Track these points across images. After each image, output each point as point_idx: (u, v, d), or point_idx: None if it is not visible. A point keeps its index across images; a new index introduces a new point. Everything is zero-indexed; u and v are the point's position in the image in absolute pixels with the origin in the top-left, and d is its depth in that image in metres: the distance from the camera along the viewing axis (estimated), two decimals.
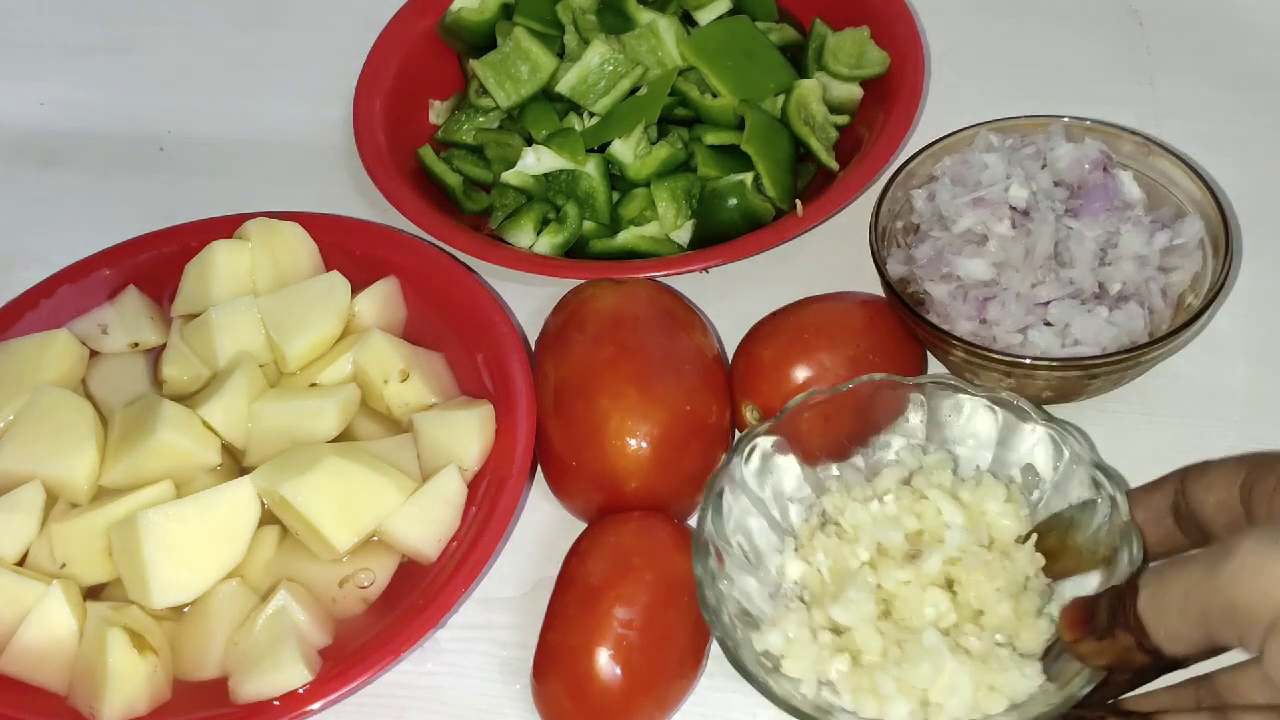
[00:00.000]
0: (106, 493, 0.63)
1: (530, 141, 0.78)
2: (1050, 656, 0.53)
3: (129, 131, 0.91)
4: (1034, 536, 0.57)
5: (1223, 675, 0.50)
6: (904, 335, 0.66)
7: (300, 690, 0.56)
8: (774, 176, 0.74)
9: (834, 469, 0.61)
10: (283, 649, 0.56)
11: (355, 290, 0.70)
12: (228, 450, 0.65)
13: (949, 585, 0.55)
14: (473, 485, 0.63)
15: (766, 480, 0.60)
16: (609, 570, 0.57)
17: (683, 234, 0.76)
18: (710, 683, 0.59)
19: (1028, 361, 0.61)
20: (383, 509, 0.61)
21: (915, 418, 0.61)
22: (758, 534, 0.59)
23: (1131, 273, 0.64)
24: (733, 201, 0.74)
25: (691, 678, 0.58)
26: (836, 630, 0.54)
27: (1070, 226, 0.65)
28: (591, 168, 0.76)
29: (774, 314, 0.67)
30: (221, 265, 0.70)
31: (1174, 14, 0.88)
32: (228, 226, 0.73)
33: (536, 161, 0.76)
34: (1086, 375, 0.62)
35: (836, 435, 0.60)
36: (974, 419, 0.60)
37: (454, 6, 0.84)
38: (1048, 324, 0.63)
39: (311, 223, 0.73)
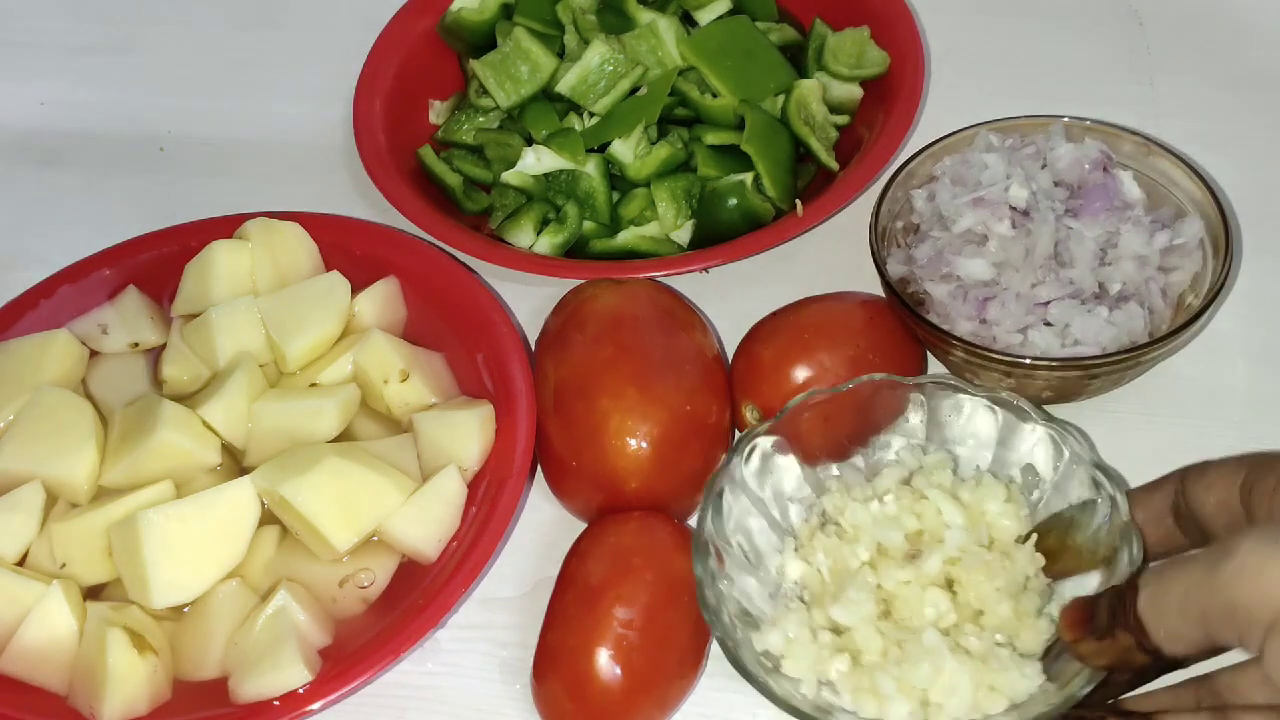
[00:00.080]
0: (106, 493, 0.63)
1: (530, 141, 0.78)
2: (1050, 656, 0.53)
3: (129, 131, 0.91)
4: (1034, 536, 0.57)
5: (1223, 675, 0.50)
6: (904, 335, 0.66)
7: (300, 690, 0.56)
8: (774, 176, 0.74)
9: (834, 469, 0.61)
10: (283, 649, 0.56)
11: (355, 290, 0.70)
12: (228, 450, 0.65)
13: (949, 585, 0.55)
14: (473, 485, 0.63)
15: (766, 480, 0.60)
16: (609, 570, 0.57)
17: (683, 234, 0.76)
18: (710, 683, 0.59)
19: (1028, 361, 0.61)
20: (383, 509, 0.61)
21: (915, 418, 0.61)
22: (758, 534, 0.59)
23: (1131, 273, 0.64)
24: (733, 201, 0.74)
25: (691, 678, 0.58)
26: (836, 630, 0.54)
27: (1070, 226, 0.65)
28: (591, 168, 0.76)
29: (774, 314, 0.67)
30: (221, 265, 0.70)
31: (1174, 14, 0.88)
32: (228, 226, 0.73)
33: (536, 161, 0.76)
34: (1086, 375, 0.62)
35: (836, 435, 0.60)
36: (974, 419, 0.60)
37: (454, 6, 0.84)
38: (1048, 324, 0.63)
39: (311, 223, 0.73)
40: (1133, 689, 0.52)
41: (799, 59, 0.82)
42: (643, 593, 0.56)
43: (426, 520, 0.61)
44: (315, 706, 0.55)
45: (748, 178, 0.74)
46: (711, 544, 0.56)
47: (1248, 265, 0.72)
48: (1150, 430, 0.66)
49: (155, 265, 0.74)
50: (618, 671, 0.54)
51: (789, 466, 0.60)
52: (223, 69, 0.95)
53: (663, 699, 0.56)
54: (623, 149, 0.76)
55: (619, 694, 0.55)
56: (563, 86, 0.78)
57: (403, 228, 0.75)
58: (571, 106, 0.79)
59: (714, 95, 0.77)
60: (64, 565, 0.61)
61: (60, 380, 0.68)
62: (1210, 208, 0.65)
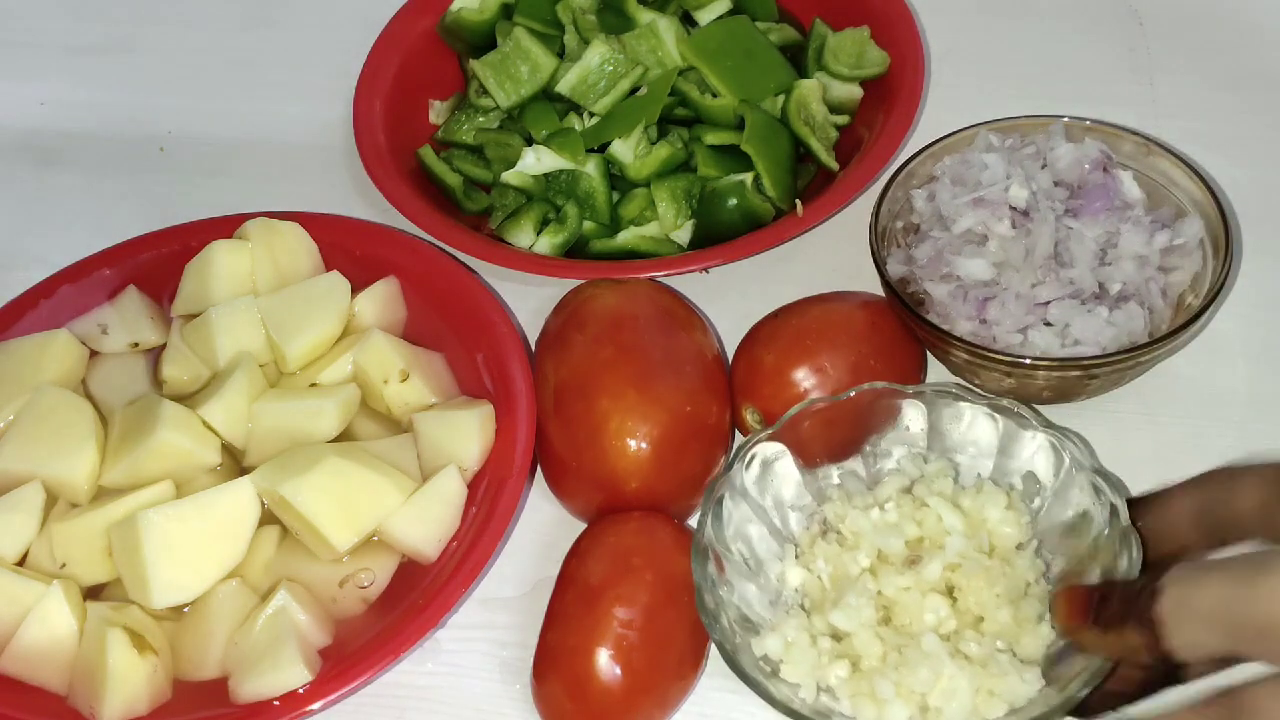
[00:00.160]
0: (106, 493, 0.63)
1: (530, 141, 0.78)
2: (1054, 648, 0.53)
3: (129, 131, 0.91)
4: (1035, 543, 0.57)
5: (1247, 693, 0.45)
6: (905, 337, 0.66)
7: (300, 690, 0.56)
8: (774, 176, 0.74)
9: (835, 478, 0.61)
10: (283, 649, 0.56)
11: (355, 290, 0.70)
12: (228, 450, 0.65)
13: (949, 592, 0.55)
14: (473, 485, 0.63)
15: (767, 487, 0.60)
16: (609, 570, 0.57)
17: (683, 234, 0.76)
18: (710, 683, 0.59)
19: (1028, 361, 0.61)
20: (383, 509, 0.61)
21: (916, 426, 0.61)
22: (758, 541, 0.59)
23: (1131, 273, 0.64)
24: (733, 201, 0.74)
25: (691, 678, 0.58)
26: (836, 636, 0.54)
27: (1070, 226, 0.65)
28: (591, 168, 0.76)
29: (774, 315, 0.67)
30: (221, 265, 0.70)
31: (1174, 14, 0.88)
32: (228, 226, 0.73)
33: (536, 161, 0.76)
34: (1086, 375, 0.62)
35: (837, 442, 0.60)
36: (974, 427, 0.60)
37: (454, 6, 0.84)
38: (1048, 324, 0.63)
39: (311, 223, 0.73)
40: (1134, 702, 0.50)
41: (799, 59, 0.82)
42: (643, 593, 0.56)
43: (426, 520, 0.61)
44: (315, 706, 0.55)
45: (748, 178, 0.74)
46: (711, 550, 0.56)
47: (1248, 265, 0.72)
48: (1150, 430, 0.66)
49: (155, 265, 0.74)
50: (618, 671, 0.54)
51: (789, 474, 0.60)
52: (223, 69, 0.95)
53: (663, 699, 0.56)
54: (623, 149, 0.76)
55: (619, 694, 0.55)
56: (563, 86, 0.78)
57: (403, 228, 0.75)
58: (571, 106, 0.79)
59: (714, 95, 0.77)
60: (64, 565, 0.61)
61: (60, 380, 0.68)
62: (1210, 208, 0.65)
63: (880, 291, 0.67)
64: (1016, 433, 0.59)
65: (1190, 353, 0.68)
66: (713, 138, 0.76)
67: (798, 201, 0.73)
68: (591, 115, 0.78)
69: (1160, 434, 0.66)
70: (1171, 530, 0.51)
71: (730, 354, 0.68)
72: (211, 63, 0.96)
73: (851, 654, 0.53)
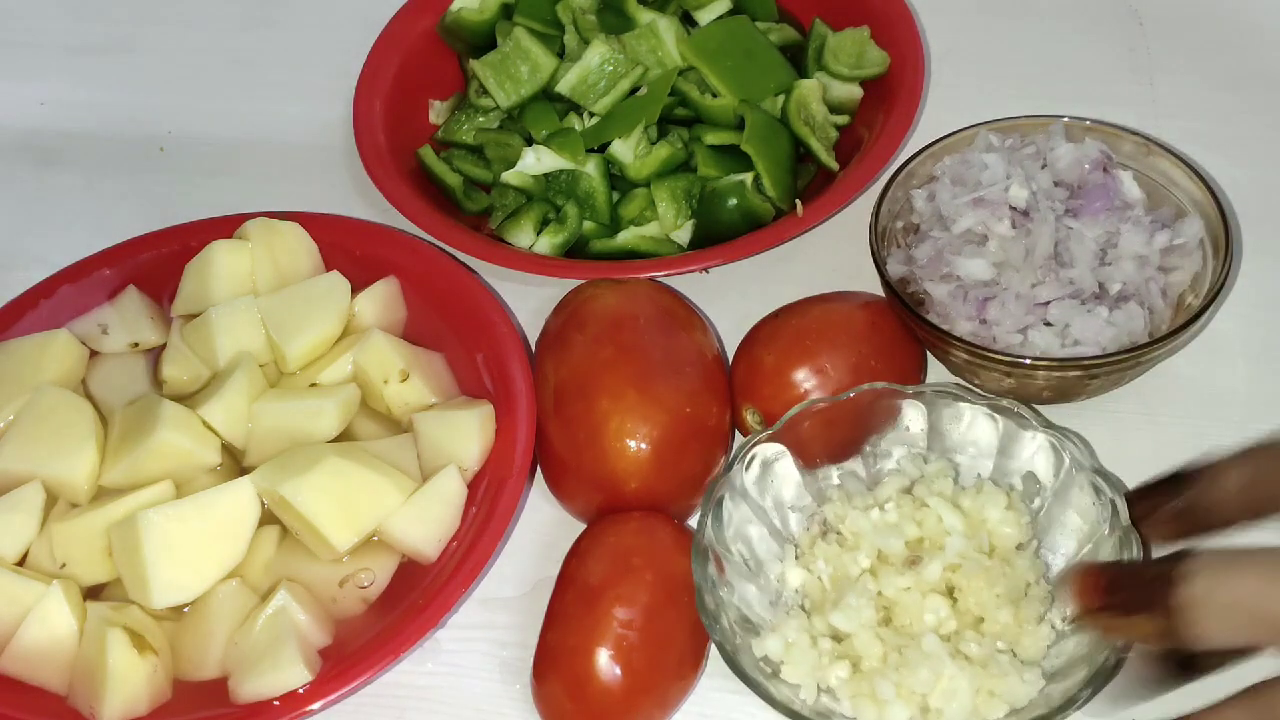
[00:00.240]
0: (106, 493, 0.63)
1: (530, 141, 0.78)
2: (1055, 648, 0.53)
3: (129, 131, 0.91)
4: (1035, 543, 0.57)
5: (1277, 692, 0.44)
6: (905, 337, 0.66)
7: (300, 690, 0.56)
8: (774, 176, 0.74)
9: (835, 479, 0.61)
10: (283, 649, 0.56)
11: (355, 290, 0.70)
12: (228, 450, 0.65)
13: (949, 592, 0.55)
14: (473, 485, 0.63)
15: (767, 488, 0.60)
16: (609, 570, 0.57)
17: (683, 234, 0.76)
18: (710, 683, 0.59)
19: (1028, 361, 0.61)
20: (383, 509, 0.61)
21: (916, 426, 0.61)
22: (758, 542, 0.59)
23: (1131, 273, 0.64)
24: (733, 201, 0.74)
25: (691, 678, 0.58)
26: (836, 637, 0.54)
27: (1070, 226, 0.65)
28: (591, 168, 0.76)
29: (774, 315, 0.67)
30: (221, 265, 0.70)
31: (1174, 14, 0.88)
32: (228, 226, 0.73)
33: (536, 161, 0.76)
34: (1086, 375, 0.62)
35: (837, 443, 0.60)
36: (974, 427, 0.60)
37: (454, 6, 0.84)
38: (1048, 324, 0.63)
39: (311, 223, 0.73)
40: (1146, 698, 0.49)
41: (799, 59, 0.82)
42: (643, 593, 0.56)
43: (426, 520, 0.61)
44: (315, 706, 0.55)
45: (748, 178, 0.74)
46: (711, 551, 0.56)
47: (1248, 265, 0.72)
48: (1150, 430, 0.66)
49: (155, 265, 0.74)
50: (618, 671, 0.54)
51: (789, 474, 0.60)
52: (223, 69, 0.95)
53: (663, 699, 0.56)
54: (623, 149, 0.76)
55: (619, 694, 0.55)
56: (563, 86, 0.78)
57: (403, 228, 0.75)
58: (571, 106, 0.79)
59: (714, 95, 0.77)
60: (64, 565, 0.61)
61: (60, 380, 0.68)
62: (1210, 208, 0.65)
63: (880, 291, 0.67)
64: (1016, 433, 0.59)
65: (1190, 353, 0.68)
66: (713, 138, 0.76)
67: (798, 201, 0.73)
68: (591, 115, 0.78)
69: (1160, 434, 0.66)
70: (1220, 503, 0.49)
71: (730, 354, 0.68)
72: (211, 63, 0.96)
73: (852, 655, 0.53)
